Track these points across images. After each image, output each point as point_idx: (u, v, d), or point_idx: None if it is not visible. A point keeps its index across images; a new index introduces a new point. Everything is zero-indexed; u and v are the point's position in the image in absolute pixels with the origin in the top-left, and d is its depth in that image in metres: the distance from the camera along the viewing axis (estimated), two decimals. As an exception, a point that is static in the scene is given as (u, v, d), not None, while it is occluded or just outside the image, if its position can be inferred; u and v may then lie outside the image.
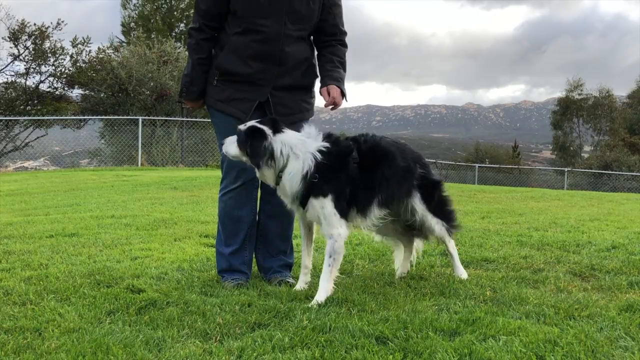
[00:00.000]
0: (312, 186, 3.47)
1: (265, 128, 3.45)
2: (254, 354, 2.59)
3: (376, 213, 3.72)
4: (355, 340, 2.71)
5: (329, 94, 3.76)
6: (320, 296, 3.42)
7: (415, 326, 2.87)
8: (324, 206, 3.51)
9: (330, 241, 3.56)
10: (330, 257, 3.54)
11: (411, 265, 4.20)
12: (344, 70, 3.91)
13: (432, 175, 3.91)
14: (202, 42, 3.80)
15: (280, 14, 3.63)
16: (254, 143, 3.43)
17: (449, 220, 3.98)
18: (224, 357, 2.57)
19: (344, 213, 3.56)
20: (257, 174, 3.56)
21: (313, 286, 3.71)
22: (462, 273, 4.01)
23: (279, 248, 4.02)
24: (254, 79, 3.72)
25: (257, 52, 3.69)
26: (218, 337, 2.80)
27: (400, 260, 4.17)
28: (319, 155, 3.46)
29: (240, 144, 3.48)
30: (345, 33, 3.95)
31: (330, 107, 3.78)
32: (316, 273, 4.16)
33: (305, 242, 3.82)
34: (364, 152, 3.61)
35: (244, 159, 3.53)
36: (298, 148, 3.48)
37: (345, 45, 3.96)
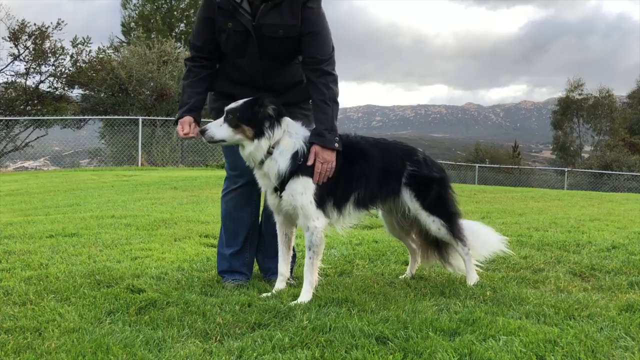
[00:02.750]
0: (298, 167, 3.51)
1: (265, 99, 3.48)
2: (254, 354, 2.59)
3: (352, 212, 3.70)
4: (355, 340, 2.71)
5: (315, 155, 3.55)
6: (306, 287, 3.49)
7: (415, 326, 2.87)
8: (304, 192, 3.51)
9: (307, 234, 3.58)
10: (309, 250, 3.58)
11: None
12: (330, 102, 3.61)
13: (428, 172, 3.78)
14: (194, 68, 3.80)
15: (254, 55, 3.67)
16: (256, 109, 3.45)
17: (449, 220, 3.84)
18: (224, 357, 2.57)
19: (321, 203, 3.56)
20: (245, 150, 3.50)
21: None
22: (471, 279, 3.87)
23: (276, 250, 4.03)
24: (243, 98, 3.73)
25: (244, 81, 3.77)
26: (218, 337, 2.80)
27: (410, 263, 4.19)
28: (308, 140, 3.55)
29: (241, 117, 3.44)
30: (324, 60, 3.62)
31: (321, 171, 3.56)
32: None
33: (283, 248, 3.79)
34: (344, 147, 3.61)
35: (237, 137, 3.47)
36: (293, 128, 3.57)
37: (328, 73, 3.63)
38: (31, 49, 23.17)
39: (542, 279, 3.92)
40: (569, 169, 32.66)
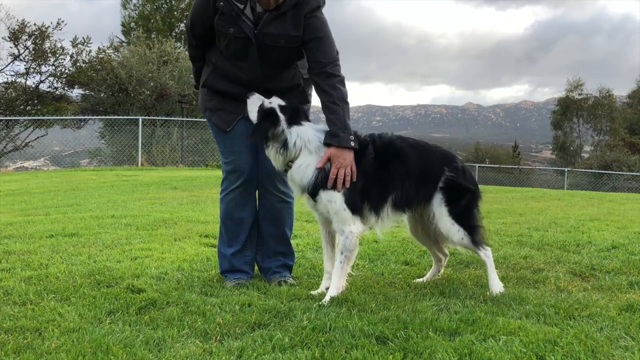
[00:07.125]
0: (324, 179, 3.47)
1: (281, 116, 3.50)
2: (254, 354, 2.59)
3: (390, 214, 3.63)
4: (355, 340, 2.71)
5: (329, 160, 3.49)
6: (332, 292, 3.45)
7: (415, 326, 2.87)
8: (332, 200, 3.48)
9: (342, 237, 3.54)
10: (342, 254, 3.53)
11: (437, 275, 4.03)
12: (339, 102, 3.57)
13: (464, 181, 3.66)
14: (201, 68, 3.93)
15: (254, 61, 3.67)
16: (263, 123, 3.48)
17: (473, 234, 3.66)
18: (224, 357, 2.57)
19: (356, 208, 3.52)
20: (266, 152, 3.58)
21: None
22: (496, 287, 3.62)
23: (275, 250, 4.03)
24: (239, 97, 3.74)
25: (240, 81, 3.75)
26: (218, 337, 2.80)
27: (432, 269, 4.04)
28: (323, 143, 3.50)
29: (257, 118, 3.54)
30: (329, 64, 3.59)
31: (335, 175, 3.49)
32: (317, 273, 4.16)
33: (326, 245, 3.75)
34: (378, 148, 3.58)
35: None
36: (313, 144, 3.51)
37: (333, 75, 3.60)
38: (31, 49, 23.17)
39: (542, 279, 3.92)
40: (569, 169, 32.65)
